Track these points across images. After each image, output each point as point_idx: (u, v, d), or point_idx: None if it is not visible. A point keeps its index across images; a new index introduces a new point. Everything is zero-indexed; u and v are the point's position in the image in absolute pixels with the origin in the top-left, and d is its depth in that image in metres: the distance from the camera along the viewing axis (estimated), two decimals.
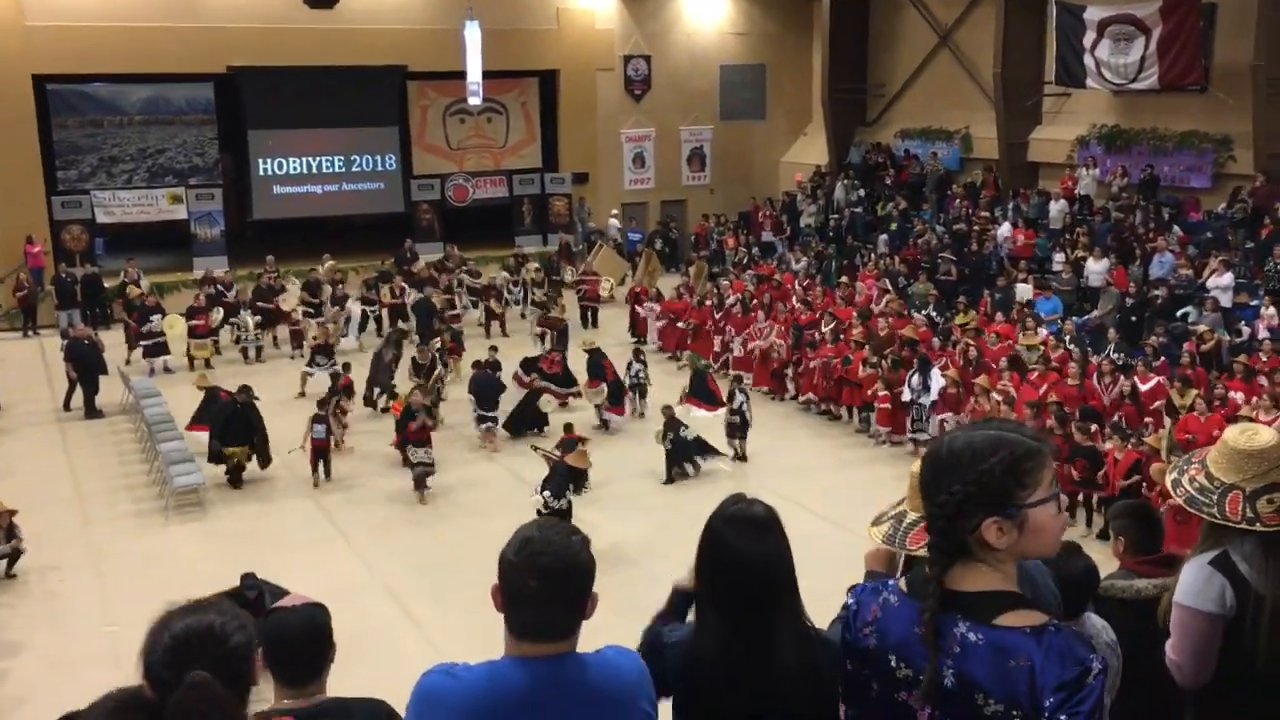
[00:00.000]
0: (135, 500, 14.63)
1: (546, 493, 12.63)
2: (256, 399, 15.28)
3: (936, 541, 2.20)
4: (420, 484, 14.54)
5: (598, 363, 17.46)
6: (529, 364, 17.81)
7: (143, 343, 20.34)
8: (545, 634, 2.33)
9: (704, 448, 15.40)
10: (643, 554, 12.40)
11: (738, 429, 15.92)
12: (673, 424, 15.16)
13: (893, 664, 2.26)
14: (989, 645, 2.13)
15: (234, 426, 14.90)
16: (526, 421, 16.91)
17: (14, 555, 12.37)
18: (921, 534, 2.71)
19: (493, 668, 2.36)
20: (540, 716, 2.30)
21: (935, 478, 2.21)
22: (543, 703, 2.30)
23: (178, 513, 14.16)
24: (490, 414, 16.57)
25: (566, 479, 12.91)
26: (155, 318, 20.42)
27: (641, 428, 16.89)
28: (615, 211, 28.74)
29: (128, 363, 20.26)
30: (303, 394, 18.20)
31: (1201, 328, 16.45)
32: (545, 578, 2.28)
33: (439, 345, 18.81)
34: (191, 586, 10.94)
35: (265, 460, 15.23)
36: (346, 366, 17.48)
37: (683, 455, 15.17)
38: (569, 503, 12.78)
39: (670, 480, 15.07)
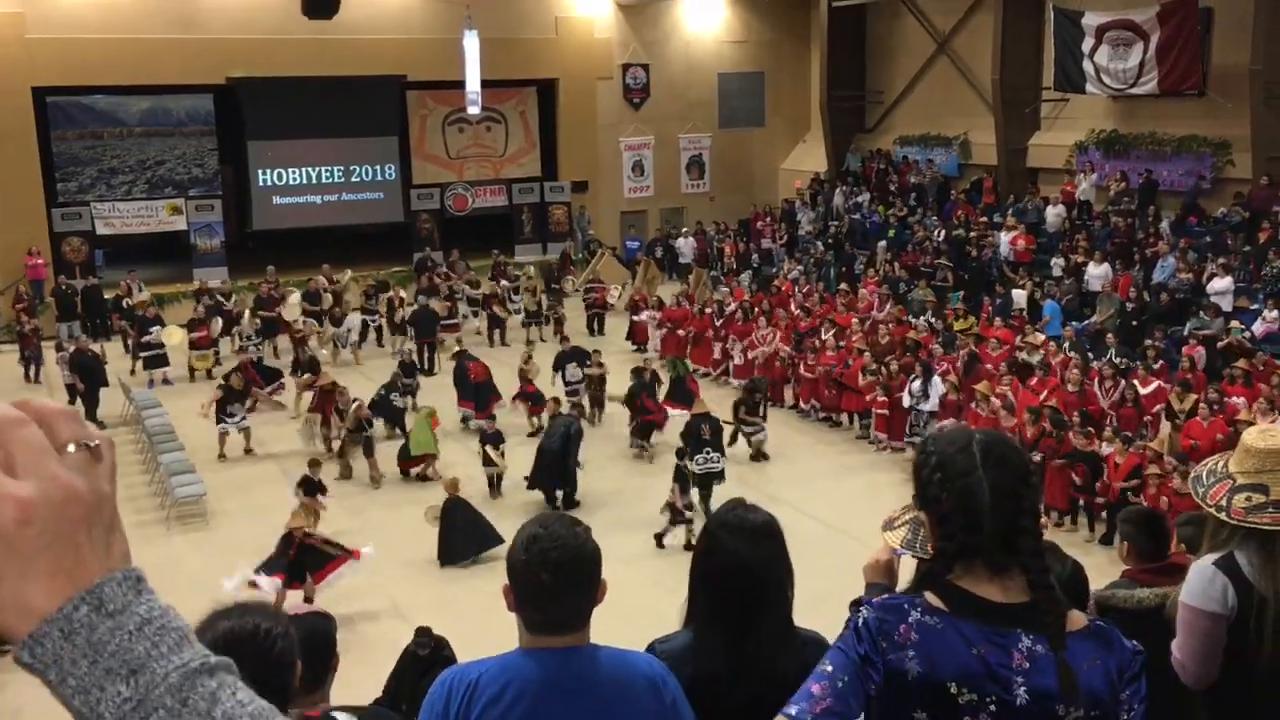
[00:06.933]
0: (137, 511, 14.61)
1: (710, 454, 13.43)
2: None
3: (1033, 546, 2.14)
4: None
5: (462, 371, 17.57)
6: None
7: (142, 354, 20.35)
8: (559, 627, 2.37)
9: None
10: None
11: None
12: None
13: (953, 691, 2.10)
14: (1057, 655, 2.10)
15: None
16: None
17: None
18: None
19: (505, 659, 2.40)
20: (548, 706, 2.33)
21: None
22: (551, 693, 2.34)
23: (180, 523, 14.16)
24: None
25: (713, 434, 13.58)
26: (154, 329, 20.42)
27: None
28: (686, 229, 28.62)
29: (132, 373, 20.27)
30: (222, 456, 16.38)
31: (1205, 331, 16.46)
32: (557, 571, 2.32)
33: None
34: (195, 598, 10.90)
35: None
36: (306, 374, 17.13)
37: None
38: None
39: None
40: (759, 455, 16.17)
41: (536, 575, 2.32)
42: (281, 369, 19.04)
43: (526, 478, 14.53)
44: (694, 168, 30.77)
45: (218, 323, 21.17)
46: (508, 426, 16.06)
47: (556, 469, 14.38)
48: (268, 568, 11.53)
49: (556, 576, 2.31)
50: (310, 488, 13.06)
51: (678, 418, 16.06)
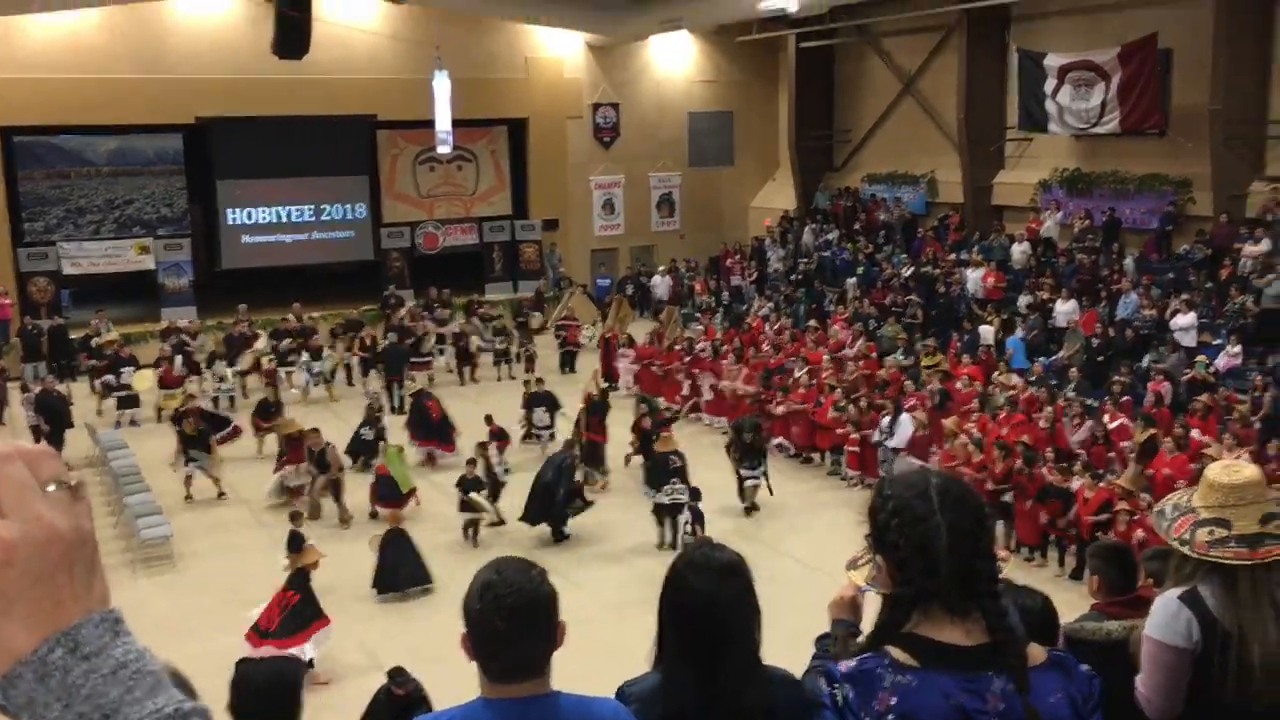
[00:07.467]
0: (103, 554, 14.31)
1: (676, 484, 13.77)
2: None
3: (990, 589, 2.15)
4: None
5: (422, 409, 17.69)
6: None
7: (116, 394, 20.16)
8: (517, 674, 2.35)
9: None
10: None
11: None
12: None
13: None
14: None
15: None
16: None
17: None
18: None
19: (467, 709, 2.38)
20: None
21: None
22: None
23: (145, 566, 13.98)
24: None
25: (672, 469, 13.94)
26: (127, 369, 20.24)
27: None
28: (662, 268, 28.61)
29: (99, 414, 20.07)
30: (189, 497, 16.22)
31: (1162, 365, 16.64)
32: (512, 617, 2.30)
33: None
34: (161, 641, 10.75)
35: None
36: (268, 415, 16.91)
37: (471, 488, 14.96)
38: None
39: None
40: (750, 505, 15.57)
41: (491, 622, 2.30)
42: (231, 417, 18.42)
43: (522, 518, 14.62)
44: (664, 206, 30.93)
45: (180, 362, 20.86)
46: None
47: (549, 503, 14.45)
48: (306, 621, 11.23)
49: (511, 623, 2.29)
50: (296, 543, 12.78)
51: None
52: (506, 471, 16.19)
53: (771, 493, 15.67)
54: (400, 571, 13.08)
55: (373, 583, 13.04)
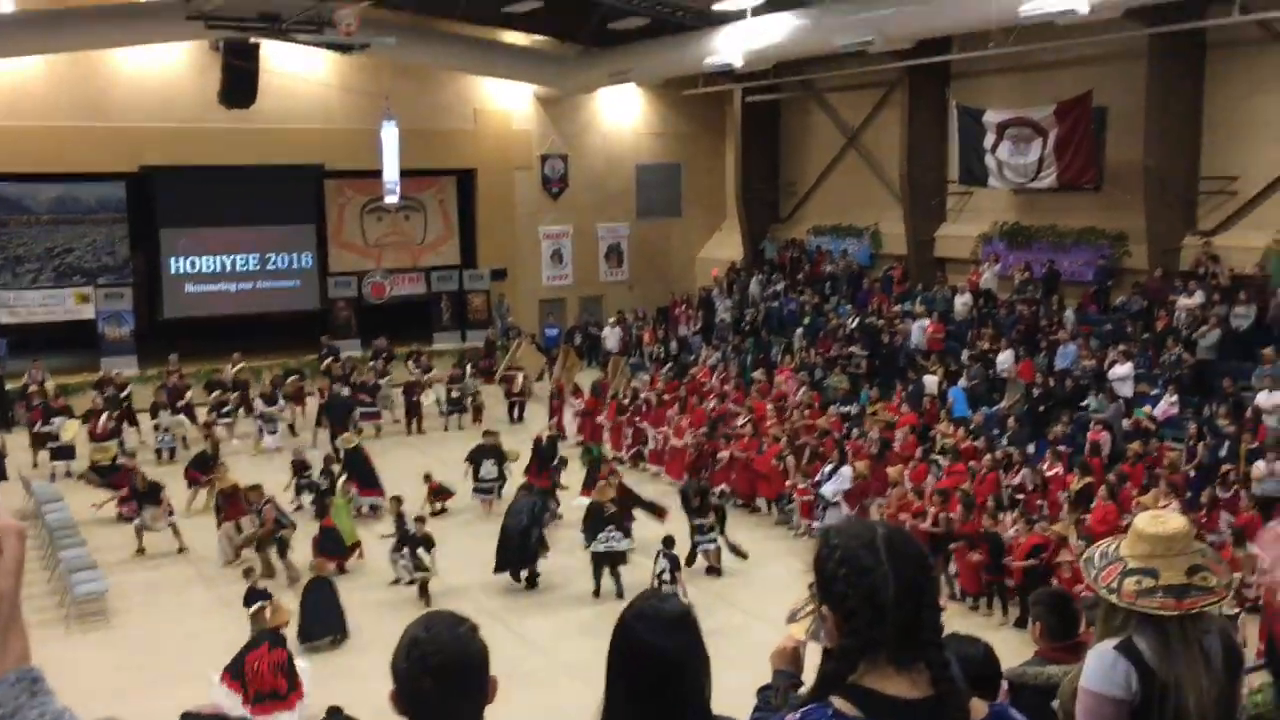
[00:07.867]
0: (35, 610, 13.99)
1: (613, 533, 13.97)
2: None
3: (934, 639, 2.14)
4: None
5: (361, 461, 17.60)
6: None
7: (50, 445, 19.73)
8: None
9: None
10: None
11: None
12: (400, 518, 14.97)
13: None
14: None
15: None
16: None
17: None
18: None
19: None
20: None
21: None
22: None
23: (79, 622, 13.61)
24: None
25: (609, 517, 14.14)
26: (57, 420, 19.80)
27: None
28: (611, 319, 28.65)
29: (34, 466, 19.63)
30: (142, 550, 15.92)
31: (1100, 414, 16.92)
32: (439, 676, 2.26)
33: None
34: (92, 701, 10.49)
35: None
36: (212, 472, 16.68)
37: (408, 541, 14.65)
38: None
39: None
40: (710, 566, 15.08)
41: (418, 681, 2.26)
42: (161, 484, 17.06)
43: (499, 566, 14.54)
44: (613, 256, 31.08)
45: (105, 416, 20.25)
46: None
47: (525, 546, 14.36)
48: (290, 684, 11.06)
49: (439, 682, 2.26)
50: (252, 599, 12.39)
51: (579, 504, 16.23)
52: (436, 511, 16.52)
53: (745, 555, 15.10)
54: (312, 621, 12.92)
55: (298, 633, 12.81)
